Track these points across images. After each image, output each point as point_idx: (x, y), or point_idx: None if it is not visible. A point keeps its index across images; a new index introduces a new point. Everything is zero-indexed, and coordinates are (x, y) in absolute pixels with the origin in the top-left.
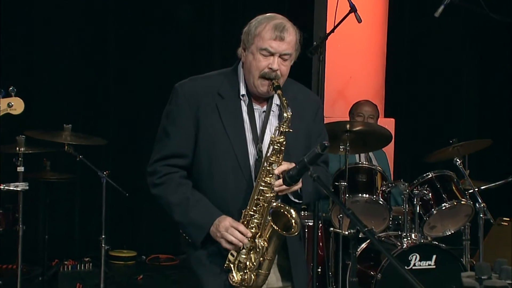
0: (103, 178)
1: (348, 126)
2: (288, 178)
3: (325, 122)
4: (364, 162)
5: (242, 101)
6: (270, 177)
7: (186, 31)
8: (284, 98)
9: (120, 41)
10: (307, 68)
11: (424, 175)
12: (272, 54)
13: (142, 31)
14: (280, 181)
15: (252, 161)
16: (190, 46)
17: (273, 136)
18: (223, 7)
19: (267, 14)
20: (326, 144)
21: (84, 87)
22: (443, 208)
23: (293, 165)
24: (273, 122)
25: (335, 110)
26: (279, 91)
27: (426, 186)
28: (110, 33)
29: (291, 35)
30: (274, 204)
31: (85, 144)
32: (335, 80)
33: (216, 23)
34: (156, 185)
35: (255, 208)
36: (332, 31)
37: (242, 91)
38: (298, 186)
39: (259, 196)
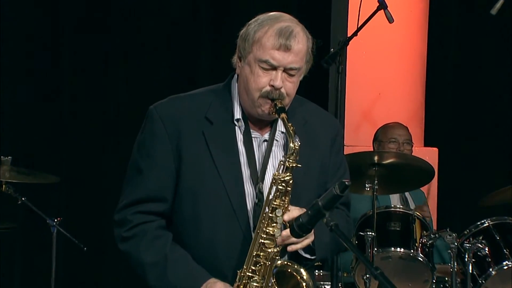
0: (53, 227)
1: (376, 157)
2: (298, 227)
3: (345, 153)
4: (398, 206)
5: (237, 127)
6: (273, 226)
7: (163, 33)
8: (290, 124)
9: (78, 50)
10: (322, 83)
11: (479, 223)
12: (275, 68)
13: (103, 39)
14: (287, 231)
15: (250, 205)
16: (168, 55)
17: (277, 173)
18: (212, 2)
19: (271, 13)
20: (346, 182)
21: (28, 108)
22: (505, 267)
23: (304, 210)
24: (277, 154)
25: (359, 137)
26: (283, 115)
27: (481, 238)
28: (64, 45)
29: (301, 42)
30: (279, 262)
31: (29, 183)
32: (359, 97)
33: (203, 21)
34: (125, 239)
35: (254, 268)
36: (355, 34)
37: (237, 114)
38: (310, 238)
39: (259, 252)
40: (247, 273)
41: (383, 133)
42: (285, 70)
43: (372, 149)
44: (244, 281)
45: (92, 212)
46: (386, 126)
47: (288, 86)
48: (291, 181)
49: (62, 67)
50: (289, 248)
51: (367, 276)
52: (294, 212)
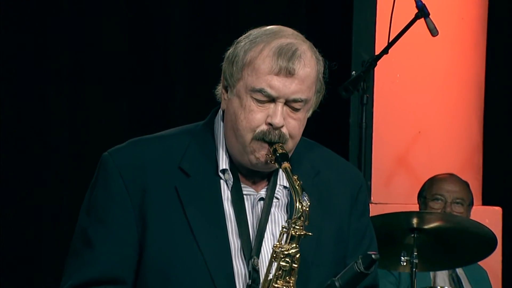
0: None
1: (415, 220)
2: None
3: (373, 214)
4: (447, 287)
5: (222, 182)
6: None
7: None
8: (295, 177)
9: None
10: (341, 119)
11: None
12: (273, 100)
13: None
14: None
15: None
16: (127, 81)
17: (278, 244)
18: (190, 10)
19: (268, 28)
20: (373, 255)
21: None
22: None
23: None
24: (277, 218)
25: (391, 192)
26: (286, 164)
27: None
28: None
29: (308, 65)
30: None
31: None
32: (392, 138)
33: (176, 39)
34: None
35: None
36: (385, 51)
37: (223, 163)
38: None
39: None
40: None
41: (429, 187)
42: (287, 103)
43: (411, 209)
44: None
45: None
46: (434, 178)
47: (292, 124)
48: (297, 256)
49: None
50: None
51: None
52: None
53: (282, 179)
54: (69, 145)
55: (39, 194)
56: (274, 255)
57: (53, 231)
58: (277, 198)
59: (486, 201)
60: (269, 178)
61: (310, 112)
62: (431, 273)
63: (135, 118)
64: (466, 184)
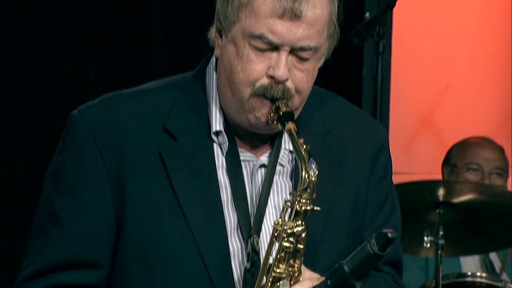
0: None
1: (442, 191)
2: None
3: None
4: (479, 274)
5: (216, 146)
6: None
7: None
8: (301, 140)
9: None
10: (353, 70)
11: None
12: (276, 48)
13: None
14: None
15: (237, 273)
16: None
17: (280, 220)
18: None
19: None
20: (389, 234)
21: None
22: None
23: (323, 279)
24: (281, 188)
25: (412, 160)
26: (290, 125)
27: None
28: None
29: (318, 6)
30: None
31: None
32: (414, 93)
33: None
34: None
35: None
36: None
37: (217, 124)
38: None
39: None
40: None
41: (460, 154)
42: (293, 52)
43: (437, 177)
44: None
45: None
46: (466, 143)
47: (299, 77)
48: (303, 235)
49: None
50: None
51: None
52: (307, 284)
53: (287, 143)
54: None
55: None
56: (276, 234)
57: None
58: (282, 165)
59: None
60: (272, 141)
61: (322, 61)
62: (462, 259)
63: (108, 70)
64: (502, 151)
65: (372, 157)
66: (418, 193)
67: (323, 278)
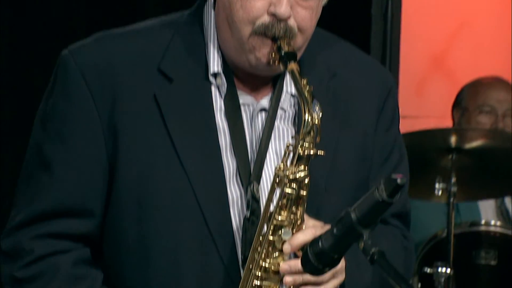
0: None
1: (454, 137)
2: (315, 257)
3: (402, 131)
4: (493, 222)
5: (214, 88)
6: (276, 257)
7: None
8: (304, 81)
9: None
10: (359, 10)
11: None
12: None
13: None
14: (297, 263)
15: (236, 222)
16: None
17: (282, 165)
18: None
19: None
20: (399, 180)
21: None
22: None
23: (327, 228)
24: (283, 133)
25: (423, 103)
26: (293, 66)
27: None
28: None
29: None
30: None
31: None
32: (425, 32)
33: None
34: (19, 283)
35: None
36: None
37: (215, 65)
38: (338, 278)
39: None
40: None
41: (472, 96)
42: None
43: (449, 124)
44: None
45: None
46: (477, 83)
47: (302, 15)
48: (306, 180)
49: None
50: None
51: None
52: (310, 231)
53: (289, 85)
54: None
55: None
56: (277, 181)
57: None
58: (283, 109)
59: None
60: (274, 84)
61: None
62: (477, 204)
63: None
64: None
65: (379, 104)
66: (430, 139)
67: (327, 227)
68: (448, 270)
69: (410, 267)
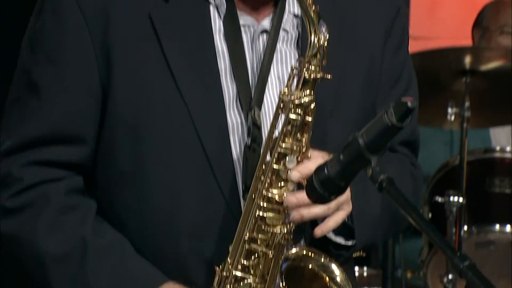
0: None
1: (468, 58)
2: (321, 184)
3: (410, 52)
4: (508, 149)
5: (212, 8)
6: (280, 187)
7: None
8: (310, 0)
9: None
10: None
11: None
12: None
13: None
14: (304, 195)
15: (237, 150)
16: None
17: (286, 90)
18: None
19: None
20: (409, 103)
21: None
22: None
23: (332, 156)
24: (286, 56)
25: (436, 23)
26: None
27: None
28: None
29: None
30: (292, 251)
31: None
32: None
33: None
34: (9, 212)
35: (245, 262)
36: None
37: None
38: (345, 209)
39: (254, 234)
40: (234, 272)
41: (494, 15)
42: None
43: (465, 43)
44: (227, 286)
45: None
46: (500, 2)
47: None
48: (312, 105)
49: None
50: (317, 231)
51: (449, 277)
52: (316, 159)
53: (292, 5)
54: None
55: None
56: (281, 105)
57: None
58: (286, 31)
59: None
60: (275, 3)
61: None
62: (489, 131)
63: None
64: None
65: (388, 24)
66: (442, 60)
67: (332, 155)
68: (461, 199)
69: (419, 195)
